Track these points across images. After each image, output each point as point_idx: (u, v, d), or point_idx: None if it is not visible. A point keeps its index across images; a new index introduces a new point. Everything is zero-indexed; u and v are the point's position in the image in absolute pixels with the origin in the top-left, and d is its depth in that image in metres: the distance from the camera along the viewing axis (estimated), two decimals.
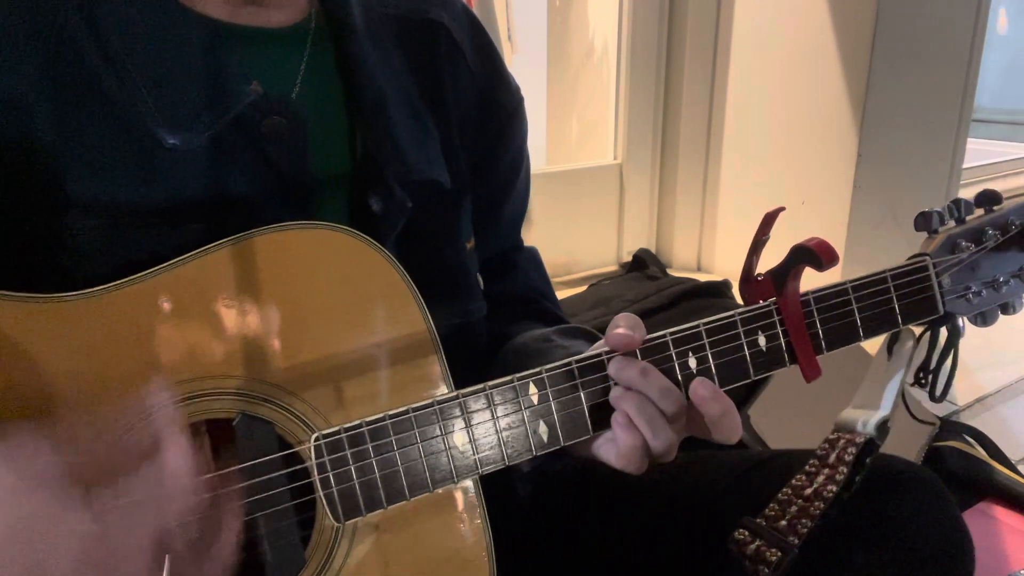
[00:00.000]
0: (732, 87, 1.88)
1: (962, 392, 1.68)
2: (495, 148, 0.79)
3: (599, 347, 0.64)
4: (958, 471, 1.42)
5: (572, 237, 1.92)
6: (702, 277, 1.78)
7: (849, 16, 1.64)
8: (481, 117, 0.77)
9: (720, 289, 1.68)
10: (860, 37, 1.62)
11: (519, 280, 0.85)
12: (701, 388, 0.60)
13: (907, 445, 1.42)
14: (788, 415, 1.30)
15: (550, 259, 1.87)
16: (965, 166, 1.86)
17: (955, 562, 0.68)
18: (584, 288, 1.80)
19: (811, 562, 0.65)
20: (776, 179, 1.84)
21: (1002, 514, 1.36)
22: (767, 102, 1.82)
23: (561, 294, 1.74)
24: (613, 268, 2.00)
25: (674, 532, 0.76)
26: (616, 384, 0.61)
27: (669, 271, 1.96)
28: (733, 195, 1.95)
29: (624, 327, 0.61)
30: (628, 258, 2.00)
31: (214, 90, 0.60)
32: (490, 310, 0.79)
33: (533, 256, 0.89)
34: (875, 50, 1.61)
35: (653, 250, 2.04)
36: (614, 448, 0.61)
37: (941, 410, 1.58)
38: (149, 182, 0.58)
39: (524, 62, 1.92)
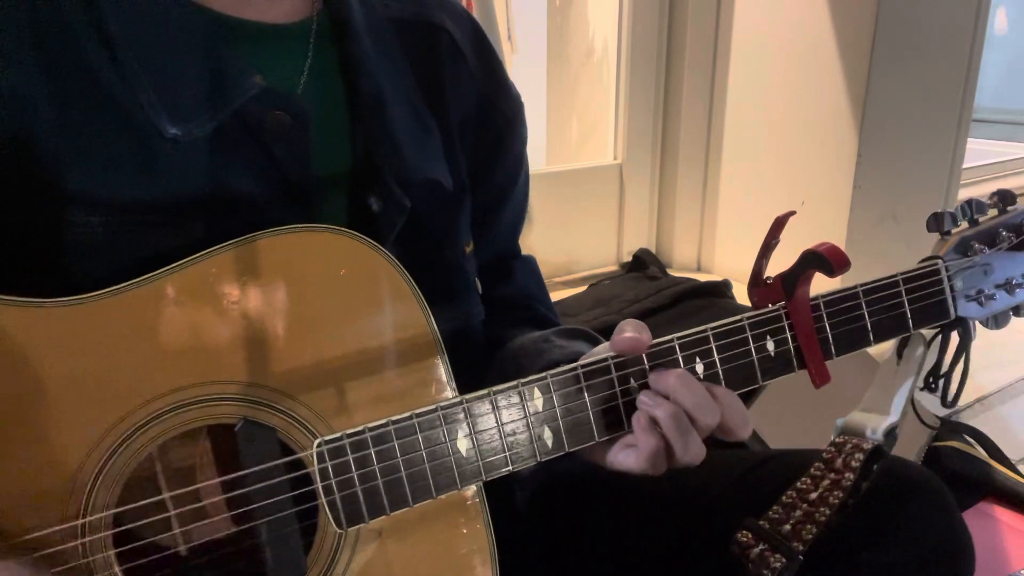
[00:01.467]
0: (732, 87, 1.88)
1: (962, 392, 1.67)
2: (493, 153, 0.79)
3: (601, 351, 0.64)
4: (958, 471, 1.42)
5: (572, 237, 1.91)
6: (702, 277, 1.78)
7: (849, 16, 1.64)
8: (480, 122, 0.77)
9: (720, 289, 1.68)
10: (860, 37, 1.62)
11: (515, 287, 0.85)
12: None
13: (907, 445, 1.42)
14: (788, 415, 1.30)
15: (550, 259, 1.88)
16: (965, 166, 1.86)
17: (955, 563, 0.68)
18: (584, 288, 1.80)
19: (812, 563, 0.65)
20: (776, 179, 1.84)
21: (1002, 514, 1.36)
22: (767, 102, 1.82)
23: (561, 294, 1.74)
24: (613, 268, 2.00)
25: (674, 531, 0.76)
26: (642, 388, 0.61)
27: (669, 271, 1.96)
28: (733, 195, 1.95)
29: (630, 331, 0.60)
30: (628, 258, 2.00)
31: (216, 83, 0.60)
32: (486, 315, 0.79)
33: (530, 264, 0.89)
34: (875, 50, 1.61)
35: (653, 250, 2.04)
36: (634, 454, 0.61)
37: (941, 410, 1.58)
38: (150, 176, 0.58)
39: (524, 62, 1.92)
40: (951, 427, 1.51)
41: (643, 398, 0.60)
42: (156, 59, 0.59)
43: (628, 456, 0.61)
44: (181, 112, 0.58)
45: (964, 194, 2.13)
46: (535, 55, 2.03)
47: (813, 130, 1.75)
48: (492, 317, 0.80)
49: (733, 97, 1.89)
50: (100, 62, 0.57)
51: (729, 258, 1.99)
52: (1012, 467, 1.45)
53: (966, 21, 1.71)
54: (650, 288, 1.70)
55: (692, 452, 0.60)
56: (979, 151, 2.70)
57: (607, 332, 1.65)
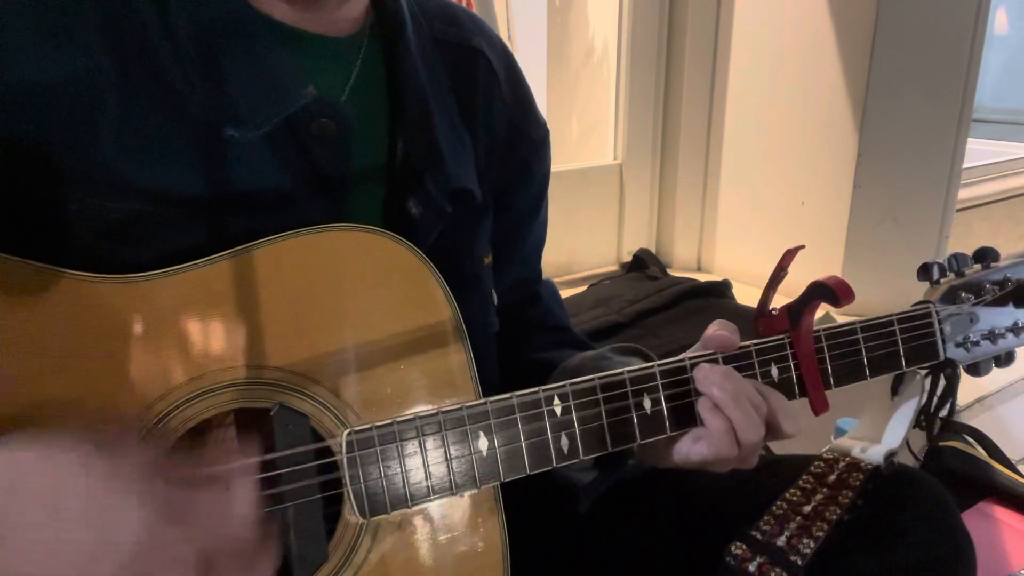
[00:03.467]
0: (732, 87, 1.89)
1: (962, 392, 1.67)
2: (520, 177, 0.82)
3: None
4: (958, 471, 1.42)
5: (572, 237, 1.92)
6: (702, 277, 1.78)
7: (849, 16, 1.64)
8: (509, 145, 0.80)
9: (720, 289, 1.68)
10: (860, 37, 1.62)
11: (544, 311, 0.88)
12: None
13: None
14: None
15: (550, 259, 1.88)
16: (965, 166, 1.86)
17: (956, 564, 0.68)
18: (584, 288, 1.80)
19: (812, 566, 0.66)
20: (776, 179, 1.84)
21: (1002, 514, 1.36)
22: (767, 102, 1.82)
23: (561, 294, 1.74)
24: (613, 268, 2.00)
25: (675, 535, 0.76)
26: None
27: (669, 271, 1.96)
28: (733, 195, 1.95)
29: (723, 330, 0.65)
30: (628, 258, 2.00)
31: (274, 89, 0.62)
32: (517, 338, 0.82)
33: (552, 289, 0.92)
34: (875, 50, 1.61)
35: (653, 250, 2.04)
36: (706, 441, 0.63)
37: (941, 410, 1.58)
38: (201, 172, 0.60)
39: (524, 62, 1.91)
40: (951, 427, 1.51)
41: (700, 377, 0.63)
42: (219, 61, 0.61)
43: (702, 447, 0.64)
44: (238, 114, 0.61)
45: (964, 194, 2.13)
46: (535, 55, 2.03)
47: (813, 130, 1.75)
48: (524, 340, 0.83)
49: (733, 97, 1.89)
50: (166, 57, 0.59)
51: (729, 258, 1.99)
52: (1012, 467, 1.45)
53: (966, 21, 1.71)
54: (650, 288, 1.70)
55: (753, 433, 0.62)
56: (979, 151, 2.70)
57: (608, 332, 1.65)
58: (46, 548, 0.44)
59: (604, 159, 1.98)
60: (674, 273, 1.94)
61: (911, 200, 1.75)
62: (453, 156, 0.72)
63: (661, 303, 1.61)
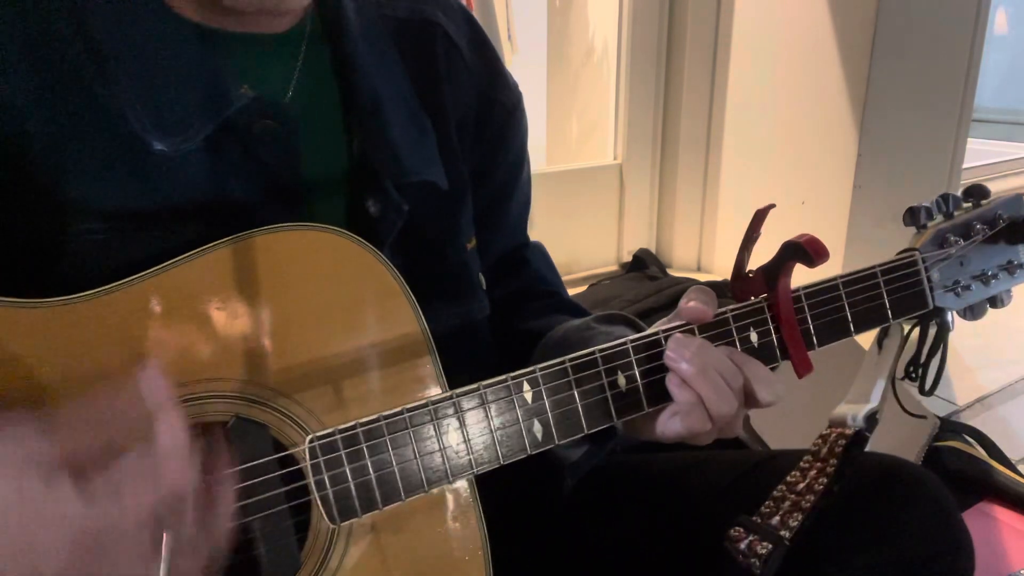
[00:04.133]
0: (732, 87, 1.88)
1: (962, 392, 1.67)
2: (497, 146, 0.79)
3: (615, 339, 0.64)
4: (958, 471, 1.42)
5: (572, 237, 1.92)
6: (702, 277, 1.78)
7: (849, 16, 1.64)
8: (480, 116, 0.77)
9: (720, 289, 1.68)
10: (860, 37, 1.62)
11: (532, 275, 0.85)
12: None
13: (907, 445, 1.42)
14: (788, 414, 1.30)
15: None
16: (965, 166, 1.86)
17: (955, 563, 0.68)
18: (584, 288, 1.80)
19: (811, 564, 0.65)
20: (776, 179, 1.84)
21: (1002, 514, 1.36)
22: (767, 102, 1.82)
23: None
24: (613, 268, 2.00)
25: (673, 533, 0.76)
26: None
27: (669, 271, 1.96)
28: (733, 195, 1.95)
29: (696, 300, 0.63)
30: (628, 258, 2.00)
31: (205, 95, 0.60)
32: (508, 308, 0.79)
33: (541, 250, 0.89)
34: (875, 50, 1.61)
35: (653, 250, 2.04)
36: (677, 418, 0.62)
37: (941, 410, 1.58)
38: (142, 185, 0.58)
39: (524, 62, 1.92)
40: (951, 427, 1.51)
41: (669, 352, 0.62)
42: (144, 72, 0.59)
43: (675, 422, 0.63)
44: (169, 126, 0.59)
45: None
46: (535, 55, 2.03)
47: (813, 130, 1.75)
48: (515, 309, 0.80)
49: (733, 97, 1.89)
50: (89, 73, 0.57)
51: (729, 258, 1.98)
52: (1012, 467, 1.45)
53: (966, 21, 1.71)
54: (650, 288, 1.70)
55: (725, 405, 0.61)
56: (979, 151, 2.70)
57: None
58: None
59: (604, 159, 1.98)
60: (674, 273, 1.94)
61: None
62: (411, 148, 0.69)
63: (661, 303, 1.61)
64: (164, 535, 0.45)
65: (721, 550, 0.65)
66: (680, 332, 0.63)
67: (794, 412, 1.29)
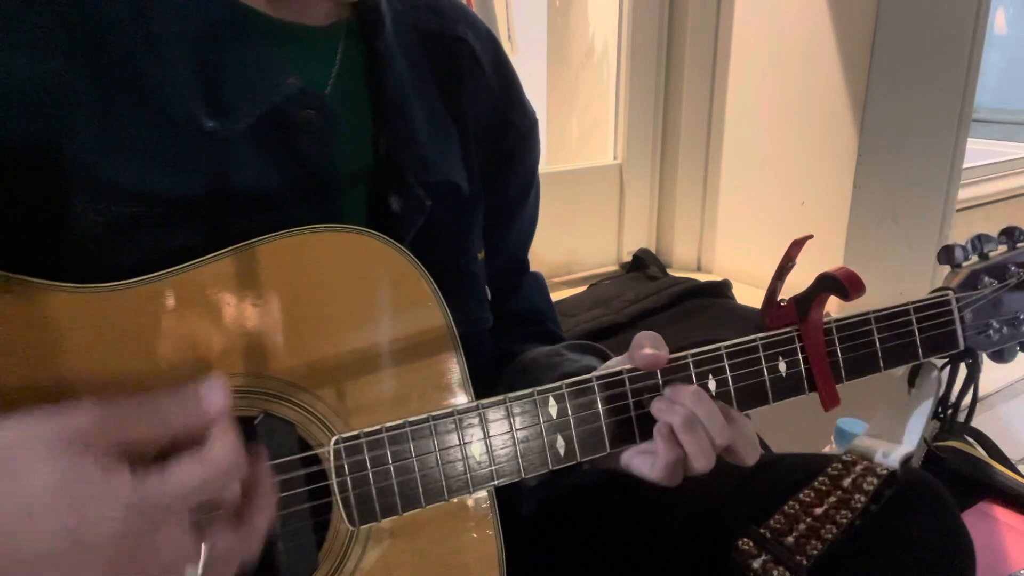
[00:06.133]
0: (732, 87, 1.88)
1: (961, 392, 1.67)
2: (506, 167, 0.81)
3: (613, 364, 0.64)
4: (958, 471, 1.41)
5: (572, 237, 1.91)
6: (702, 277, 1.78)
7: (849, 16, 1.64)
8: (495, 135, 0.79)
9: (720, 289, 1.68)
10: (860, 37, 1.62)
11: (523, 302, 0.86)
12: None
13: None
14: (789, 416, 1.30)
15: (550, 259, 1.88)
16: (965, 166, 1.86)
17: (956, 565, 0.68)
18: (584, 288, 1.80)
19: (816, 567, 0.65)
20: (776, 179, 1.84)
21: (1002, 514, 1.36)
22: (767, 102, 1.82)
23: (561, 294, 1.74)
24: (613, 268, 2.00)
25: (677, 535, 0.76)
26: (660, 399, 0.61)
27: (669, 271, 1.96)
28: (733, 195, 1.95)
29: (649, 346, 0.61)
30: (628, 258, 2.00)
31: (254, 80, 0.61)
32: (493, 329, 0.80)
33: (538, 281, 0.90)
34: (875, 50, 1.61)
35: (653, 250, 2.03)
36: (650, 460, 0.61)
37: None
38: (182, 170, 0.59)
39: (524, 62, 1.91)
40: (951, 427, 1.51)
41: (658, 404, 0.61)
42: (197, 53, 0.60)
43: (644, 462, 0.62)
44: (219, 106, 0.59)
45: (964, 194, 2.13)
46: (535, 55, 2.03)
47: (813, 130, 1.74)
48: (500, 331, 0.80)
49: (733, 97, 1.89)
50: (143, 54, 0.58)
51: (729, 258, 1.99)
52: (1012, 467, 1.45)
53: (966, 21, 1.71)
54: (650, 288, 1.70)
55: (703, 462, 0.60)
56: (979, 151, 2.69)
57: (608, 332, 1.65)
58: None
59: (604, 159, 1.98)
60: (674, 273, 1.94)
61: (911, 200, 1.74)
62: (435, 148, 0.71)
63: (661, 303, 1.61)
64: (202, 547, 0.46)
65: (725, 555, 0.65)
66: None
67: (795, 414, 1.28)
